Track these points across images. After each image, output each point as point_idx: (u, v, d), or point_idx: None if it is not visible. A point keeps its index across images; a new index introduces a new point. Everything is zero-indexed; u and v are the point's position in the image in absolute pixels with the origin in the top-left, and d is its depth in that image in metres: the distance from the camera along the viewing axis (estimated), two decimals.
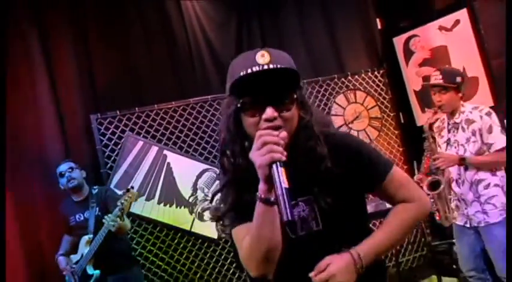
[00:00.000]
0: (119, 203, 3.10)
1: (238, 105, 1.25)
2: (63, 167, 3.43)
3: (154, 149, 4.15)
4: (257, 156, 1.14)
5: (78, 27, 4.10)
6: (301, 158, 1.28)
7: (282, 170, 1.11)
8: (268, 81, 1.21)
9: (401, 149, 4.85)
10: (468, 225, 2.98)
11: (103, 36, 4.18)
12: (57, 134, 3.92)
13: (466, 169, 2.95)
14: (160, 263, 3.99)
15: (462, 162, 2.91)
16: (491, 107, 4.27)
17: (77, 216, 3.42)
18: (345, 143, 1.37)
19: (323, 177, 1.28)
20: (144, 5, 4.37)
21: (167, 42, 4.39)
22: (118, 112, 4.03)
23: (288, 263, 1.30)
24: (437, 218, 3.13)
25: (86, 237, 3.31)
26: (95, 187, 3.53)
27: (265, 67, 1.21)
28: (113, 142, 4.01)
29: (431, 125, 3.22)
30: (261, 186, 1.17)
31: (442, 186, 3.01)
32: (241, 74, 1.22)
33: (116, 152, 4.01)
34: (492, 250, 2.89)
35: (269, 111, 1.19)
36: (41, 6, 3.96)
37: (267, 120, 1.19)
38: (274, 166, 1.12)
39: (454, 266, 3.99)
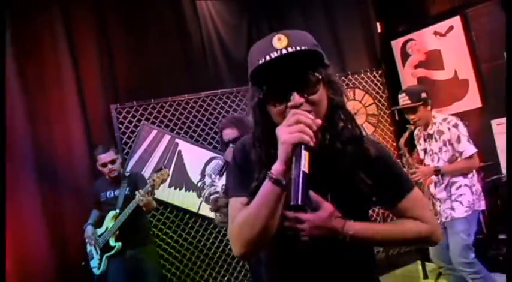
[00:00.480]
0: (150, 180, 3.43)
1: (260, 96, 1.18)
2: (106, 158, 3.65)
3: (167, 138, 4.52)
4: (285, 132, 1.07)
5: (101, 23, 4.46)
6: (333, 145, 1.20)
7: (306, 153, 1.05)
8: (289, 66, 1.12)
9: (394, 144, 5.19)
10: (438, 221, 3.17)
11: (123, 32, 4.54)
12: (80, 121, 4.26)
13: (443, 175, 3.20)
14: (169, 241, 4.36)
15: (437, 172, 3.16)
16: (479, 108, 4.68)
17: (108, 193, 3.72)
18: (375, 143, 1.30)
19: (346, 175, 1.20)
20: (161, 4, 4.72)
21: (182, 39, 4.74)
22: (135, 103, 4.39)
23: (281, 255, 1.27)
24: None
25: (112, 212, 3.63)
26: (128, 171, 3.91)
27: (284, 51, 1.12)
28: (129, 130, 4.37)
29: (406, 142, 3.46)
30: (277, 166, 1.09)
31: (425, 190, 3.26)
32: (260, 62, 1.13)
33: (132, 139, 4.38)
34: (452, 243, 3.13)
35: (295, 98, 1.12)
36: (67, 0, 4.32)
37: (294, 107, 1.11)
38: (299, 147, 1.05)
39: None
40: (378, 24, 5.36)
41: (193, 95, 4.59)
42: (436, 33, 4.92)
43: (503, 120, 4.59)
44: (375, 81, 5.25)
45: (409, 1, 5.16)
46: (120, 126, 4.35)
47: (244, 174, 1.26)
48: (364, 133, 1.27)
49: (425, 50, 5.05)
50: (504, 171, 4.55)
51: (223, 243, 4.53)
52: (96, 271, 3.65)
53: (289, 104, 1.12)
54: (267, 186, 1.11)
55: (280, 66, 1.12)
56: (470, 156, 3.08)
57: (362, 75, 5.16)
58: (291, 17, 5.16)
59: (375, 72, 5.26)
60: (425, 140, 3.32)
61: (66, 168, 4.15)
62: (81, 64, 4.33)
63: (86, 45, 4.38)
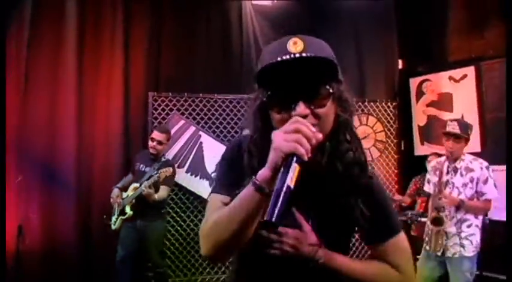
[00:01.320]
0: (156, 174, 3.88)
1: (265, 99, 1.08)
2: (157, 136, 4.12)
3: (192, 129, 5.06)
4: (280, 138, 0.97)
5: (156, 17, 5.06)
6: (332, 166, 1.10)
7: (296, 166, 0.94)
8: (301, 72, 1.02)
9: (396, 171, 5.62)
10: (439, 254, 3.32)
11: (174, 29, 5.14)
12: (121, 101, 4.87)
13: (457, 209, 3.29)
14: (178, 219, 4.91)
15: (461, 204, 3.25)
16: (477, 153, 5.05)
17: (141, 166, 4.18)
18: (374, 183, 1.19)
19: (338, 201, 1.11)
20: (212, 10, 5.30)
21: (225, 44, 5.31)
22: (170, 94, 4.97)
23: (252, 265, 1.19)
24: (427, 248, 3.45)
25: (134, 184, 4.11)
26: (165, 156, 4.36)
27: (297, 56, 1.02)
28: (161, 116, 4.94)
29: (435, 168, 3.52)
30: (264, 172, 0.99)
31: (443, 226, 3.32)
32: (270, 62, 1.03)
33: (164, 125, 4.93)
34: (455, 279, 3.27)
35: (300, 108, 1.01)
36: None
37: (298, 116, 1.01)
38: (291, 158, 0.95)
39: None
40: (400, 61, 5.81)
41: (222, 96, 5.13)
42: (450, 78, 5.32)
43: (497, 167, 4.97)
44: (388, 112, 5.69)
45: (431, 46, 5.57)
46: (154, 111, 4.92)
47: (233, 173, 1.17)
48: (368, 166, 1.16)
49: (439, 92, 5.46)
50: (489, 215, 4.92)
51: None
52: (112, 226, 4.18)
53: (293, 113, 1.01)
54: (248, 190, 1.01)
55: (290, 71, 1.02)
56: (490, 200, 3.26)
57: (378, 104, 5.61)
58: (322, 39, 5.61)
59: (389, 103, 5.70)
60: (448, 172, 3.38)
61: (103, 140, 4.77)
62: (132, 50, 4.95)
63: (139, 35, 4.99)
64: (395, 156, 5.64)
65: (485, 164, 3.31)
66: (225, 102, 5.14)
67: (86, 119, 4.73)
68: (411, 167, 5.42)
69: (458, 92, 5.27)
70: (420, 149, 5.54)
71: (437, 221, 3.35)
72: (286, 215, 0.97)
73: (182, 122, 5.03)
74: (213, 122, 5.12)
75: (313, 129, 0.98)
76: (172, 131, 4.96)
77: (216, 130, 5.13)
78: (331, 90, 1.07)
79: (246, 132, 3.24)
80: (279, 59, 1.02)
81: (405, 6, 5.74)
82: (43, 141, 4.51)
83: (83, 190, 4.66)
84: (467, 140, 3.36)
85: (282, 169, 0.95)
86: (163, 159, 4.23)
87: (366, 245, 1.26)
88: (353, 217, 1.12)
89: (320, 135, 1.00)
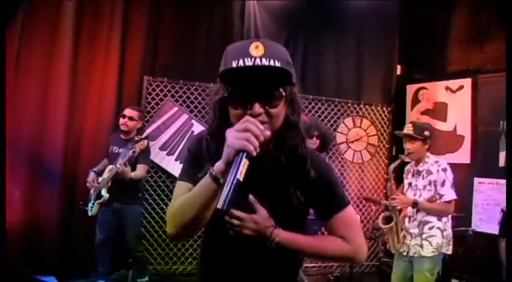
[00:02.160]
0: (133, 147, 3.78)
1: (225, 95, 1.22)
2: (127, 112, 4.09)
3: (185, 117, 5.00)
4: (232, 137, 1.10)
5: (156, 2, 4.97)
6: (278, 158, 1.26)
7: (245, 162, 1.08)
8: (259, 76, 1.16)
9: (385, 176, 5.62)
10: (405, 254, 3.39)
11: (174, 15, 5.05)
12: (116, 82, 4.77)
13: (417, 211, 3.36)
14: (163, 207, 4.82)
15: (414, 205, 3.33)
16: (466, 164, 5.10)
17: (114, 148, 4.13)
18: (320, 163, 1.35)
19: (292, 185, 1.28)
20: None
21: (225, 36, 5.22)
22: (166, 79, 4.89)
23: (213, 242, 1.39)
24: (388, 246, 3.60)
25: (110, 166, 3.99)
26: (138, 136, 4.23)
27: (257, 61, 1.15)
28: (154, 101, 4.87)
29: (395, 169, 3.63)
30: (219, 165, 1.14)
31: (393, 223, 3.43)
32: (233, 63, 1.16)
33: (154, 110, 4.88)
34: (416, 277, 3.31)
35: (256, 107, 1.15)
36: None
37: (253, 115, 1.15)
38: (241, 154, 1.08)
39: None
40: (398, 66, 5.81)
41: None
42: (447, 88, 5.35)
43: (485, 180, 5.03)
44: (383, 116, 5.71)
45: (431, 55, 5.59)
46: (148, 96, 4.86)
47: (195, 163, 1.32)
48: (310, 154, 1.31)
49: (434, 100, 5.48)
50: (473, 225, 4.98)
51: None
52: (89, 212, 4.09)
53: (249, 111, 1.15)
54: (206, 180, 1.16)
55: (250, 74, 1.16)
56: (449, 202, 3.29)
57: (373, 107, 5.62)
58: (325, 39, 5.63)
59: (384, 108, 5.72)
60: (413, 175, 3.49)
61: (94, 122, 4.68)
62: (130, 34, 4.86)
63: (138, 19, 4.90)
64: (386, 161, 5.65)
65: (443, 166, 3.33)
66: None
67: (78, 100, 4.63)
68: (400, 172, 5.43)
69: (453, 102, 5.30)
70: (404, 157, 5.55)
71: (387, 220, 3.46)
72: (240, 203, 1.18)
73: (176, 108, 4.97)
74: (207, 111, 4.99)
75: (262, 127, 1.11)
76: (165, 117, 4.94)
77: (209, 120, 5.04)
78: (283, 94, 1.21)
79: None
80: (241, 63, 1.15)
81: (410, 13, 5.74)
82: (33, 123, 4.43)
83: (70, 172, 4.57)
84: (424, 141, 3.36)
85: (233, 164, 1.09)
86: (136, 138, 4.11)
87: (324, 225, 1.40)
88: (295, 203, 1.29)
89: (268, 133, 1.14)
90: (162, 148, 4.89)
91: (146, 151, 4.09)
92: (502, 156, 4.91)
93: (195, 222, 1.22)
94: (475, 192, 5.08)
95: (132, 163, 3.93)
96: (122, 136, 4.18)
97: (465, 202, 4.95)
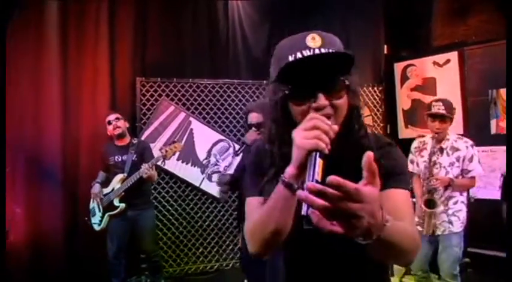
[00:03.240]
0: (163, 150, 3.78)
1: (286, 91, 1.13)
2: (111, 117, 4.06)
3: (182, 115, 4.94)
4: (301, 137, 1.01)
5: (142, 4, 4.85)
6: (345, 152, 1.11)
7: (320, 161, 0.98)
8: (319, 66, 1.07)
9: None
10: (431, 234, 3.36)
11: (160, 15, 4.95)
12: (108, 87, 4.66)
13: (445, 189, 3.33)
14: (169, 208, 4.81)
15: (451, 183, 3.29)
16: (460, 135, 5.25)
17: (116, 157, 4.04)
18: (388, 147, 1.25)
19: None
20: None
21: (211, 30, 5.18)
22: (159, 79, 4.81)
23: (297, 252, 1.27)
24: (420, 229, 3.40)
25: (120, 175, 3.95)
26: (135, 138, 4.21)
27: (317, 51, 1.10)
28: (150, 102, 4.78)
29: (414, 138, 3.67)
30: (290, 170, 1.05)
31: (437, 206, 3.35)
32: (290, 58, 1.11)
33: (150, 111, 4.79)
34: (445, 254, 3.34)
35: (321, 99, 1.08)
36: None
37: (317, 109, 1.08)
38: (314, 154, 0.99)
39: None
40: (385, 46, 5.90)
41: (212, 81, 5.03)
42: (434, 63, 5.48)
43: (479, 148, 5.18)
44: (375, 96, 5.80)
45: (416, 31, 5.70)
46: (142, 98, 4.76)
47: (258, 174, 1.25)
48: (374, 141, 1.21)
49: (423, 76, 5.61)
50: (472, 193, 5.17)
51: (217, 218, 5.00)
52: (97, 227, 4.02)
53: (314, 105, 1.09)
54: (279, 189, 1.08)
55: (310, 65, 1.08)
56: (474, 177, 3.35)
57: (364, 88, 5.68)
58: (310, 25, 5.57)
59: (376, 88, 5.81)
60: (434, 153, 3.41)
61: (90, 128, 4.55)
62: (118, 36, 4.73)
63: (125, 20, 4.77)
64: None
65: (470, 142, 3.39)
66: (215, 87, 5.05)
67: (71, 107, 4.50)
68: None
69: (441, 76, 5.43)
70: (404, 132, 5.69)
71: (431, 204, 3.39)
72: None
73: (172, 107, 4.89)
74: (203, 108, 5.01)
75: (329, 122, 1.03)
76: (162, 117, 4.87)
77: (206, 116, 5.03)
78: (347, 83, 1.13)
79: (254, 115, 3.10)
80: (299, 55, 1.10)
81: None
82: (28, 131, 4.28)
83: (69, 180, 4.45)
84: (452, 119, 3.40)
85: (308, 165, 0.98)
86: (134, 142, 4.08)
87: None
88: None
89: (336, 127, 1.04)
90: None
91: (149, 150, 4.11)
92: (493, 124, 5.10)
93: (275, 235, 1.12)
94: None
95: (139, 163, 3.88)
96: (117, 144, 4.09)
97: None
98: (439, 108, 3.35)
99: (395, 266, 4.59)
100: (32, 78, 4.30)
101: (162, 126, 4.84)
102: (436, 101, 3.50)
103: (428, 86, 5.54)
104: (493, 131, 5.11)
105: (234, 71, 5.26)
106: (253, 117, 3.12)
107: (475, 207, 5.05)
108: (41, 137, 4.34)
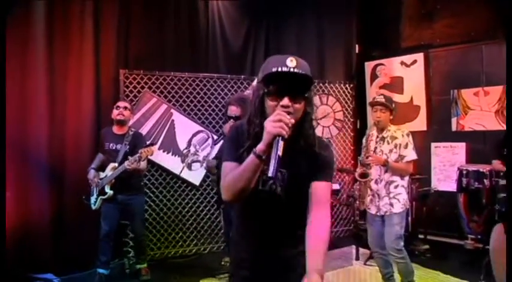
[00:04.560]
0: (139, 152, 3.96)
1: (266, 90, 1.62)
2: (121, 103, 4.28)
3: (164, 107, 5.16)
4: (270, 126, 1.50)
5: (125, 1, 5.01)
6: (297, 141, 1.66)
7: (281, 143, 1.48)
8: (290, 80, 1.58)
9: (352, 148, 6.13)
10: (378, 214, 3.72)
11: (143, 9, 5.11)
12: (92, 78, 4.80)
13: (385, 172, 3.68)
14: (151, 195, 5.05)
15: (385, 163, 3.64)
16: (423, 131, 5.67)
17: (111, 144, 4.23)
18: (325, 149, 1.77)
19: (303, 160, 1.70)
20: None
21: (191, 25, 5.40)
22: (142, 71, 5.01)
23: (249, 208, 1.79)
24: (357, 203, 3.93)
25: (112, 164, 4.15)
26: (132, 129, 4.38)
27: (291, 70, 1.57)
28: (132, 94, 4.97)
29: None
30: (261, 146, 1.53)
31: (369, 177, 3.76)
32: (273, 70, 1.58)
33: (133, 103, 4.94)
34: (387, 232, 3.64)
35: (286, 100, 1.57)
36: None
37: (283, 106, 1.56)
38: (278, 138, 1.48)
39: None
40: (357, 46, 6.24)
41: (192, 74, 5.26)
42: (402, 63, 5.86)
43: (440, 144, 5.64)
44: (346, 93, 6.14)
45: (386, 33, 6.07)
46: (125, 89, 4.95)
47: (235, 145, 1.73)
48: (316, 141, 1.74)
49: (391, 75, 5.99)
50: (433, 185, 5.60)
51: (196, 205, 5.28)
52: (92, 206, 4.27)
53: (281, 103, 1.57)
54: (251, 158, 1.55)
55: (285, 77, 1.58)
56: (410, 161, 3.67)
57: (337, 85, 6.03)
58: (286, 24, 5.93)
59: (347, 85, 6.15)
60: (376, 142, 3.79)
61: (75, 118, 4.71)
62: (102, 29, 4.86)
63: (109, 14, 4.90)
64: (352, 134, 6.12)
65: (406, 131, 3.71)
66: (195, 81, 5.28)
67: (57, 98, 4.62)
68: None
69: (408, 75, 5.81)
70: (371, 127, 6.04)
71: (363, 175, 3.78)
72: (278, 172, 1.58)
73: (154, 99, 5.11)
74: (184, 100, 5.24)
75: (289, 117, 1.53)
76: (144, 109, 5.07)
77: (187, 108, 5.26)
78: (306, 95, 1.64)
79: (233, 108, 3.35)
80: (280, 69, 1.58)
81: None
82: (14, 122, 4.35)
83: (56, 167, 4.61)
84: (391, 111, 3.71)
85: (273, 144, 1.49)
86: (130, 133, 4.28)
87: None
88: (302, 171, 1.72)
89: (293, 121, 1.55)
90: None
91: (142, 142, 4.30)
92: (454, 122, 5.52)
93: (244, 189, 1.61)
94: (433, 155, 5.69)
95: (131, 155, 4.08)
96: (114, 131, 4.30)
97: (425, 165, 5.55)
98: (380, 99, 3.74)
99: (361, 251, 5.00)
100: (17, 67, 4.40)
101: (144, 117, 5.05)
102: (379, 94, 3.90)
103: (395, 84, 5.91)
104: (454, 128, 5.54)
105: (213, 65, 5.51)
106: (232, 110, 3.41)
107: (435, 198, 5.50)
108: (27, 123, 4.45)
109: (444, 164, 5.59)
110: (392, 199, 3.69)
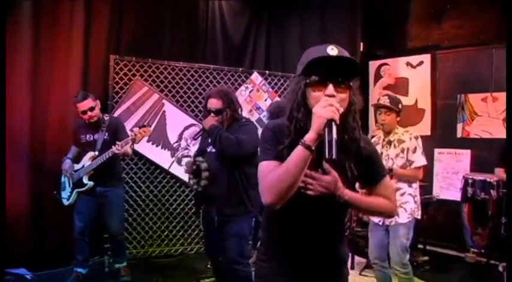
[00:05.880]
0: (132, 133, 3.69)
1: (308, 81, 1.50)
2: (85, 105, 3.77)
3: (156, 96, 4.87)
4: (321, 110, 1.41)
5: None
6: (340, 136, 1.48)
7: (335, 127, 1.39)
8: (334, 68, 1.46)
9: None
10: (381, 223, 3.45)
11: None
12: (81, 63, 4.52)
13: (391, 178, 3.27)
14: (137, 189, 4.77)
15: (390, 171, 3.31)
16: (427, 136, 5.41)
17: (88, 136, 3.91)
18: (368, 142, 1.70)
19: (349, 158, 1.57)
20: None
21: (190, 12, 5.14)
22: (134, 58, 4.72)
23: (293, 208, 1.57)
24: (360, 213, 3.72)
25: (91, 153, 3.85)
26: (106, 115, 4.07)
27: (335, 53, 1.48)
28: (123, 81, 4.69)
29: (373, 136, 3.81)
30: (311, 135, 1.42)
31: None
32: (317, 56, 1.47)
33: (123, 90, 4.70)
34: (392, 244, 3.38)
35: (331, 88, 1.46)
36: None
37: (328, 96, 1.45)
38: (332, 123, 1.39)
39: (366, 249, 4.99)
40: (361, 43, 5.96)
41: (187, 64, 4.98)
42: (408, 64, 5.61)
43: (444, 150, 5.38)
44: None
45: (392, 31, 5.82)
46: (115, 76, 4.66)
47: (275, 143, 1.58)
48: (362, 135, 1.62)
49: (396, 76, 5.74)
50: (434, 192, 5.34)
51: (185, 202, 5.00)
52: (65, 202, 3.95)
53: (326, 92, 1.46)
54: (299, 150, 1.43)
55: (328, 66, 1.47)
56: (419, 167, 3.39)
57: None
58: (289, 18, 5.68)
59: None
60: (382, 146, 3.53)
61: (59, 104, 4.42)
62: (94, 12, 4.59)
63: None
64: None
65: (415, 134, 3.45)
66: (190, 71, 5.00)
67: (40, 81, 4.34)
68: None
69: (414, 77, 5.57)
70: (374, 129, 5.79)
71: None
72: (320, 167, 1.52)
73: (145, 88, 4.82)
74: (177, 91, 4.97)
75: (338, 105, 1.42)
76: (135, 98, 4.79)
77: (179, 99, 4.99)
78: (350, 84, 1.52)
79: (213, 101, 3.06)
80: (325, 54, 1.48)
81: None
82: None
83: (36, 158, 4.33)
84: (398, 113, 3.46)
85: (326, 130, 1.39)
86: (105, 119, 3.96)
87: (365, 188, 1.76)
88: (350, 172, 1.60)
89: (342, 109, 1.45)
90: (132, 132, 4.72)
91: (122, 127, 4.03)
92: (460, 127, 5.27)
93: (291, 187, 1.47)
94: (436, 162, 5.43)
95: (112, 141, 3.79)
96: (90, 124, 3.93)
97: (427, 171, 5.24)
98: (384, 101, 3.46)
99: (357, 259, 4.74)
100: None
101: (134, 106, 4.77)
102: (383, 95, 3.60)
103: (400, 85, 5.66)
104: (459, 134, 5.29)
105: (211, 56, 5.24)
106: (213, 103, 3.12)
107: (436, 206, 5.23)
108: (8, 113, 4.14)
109: (447, 171, 5.34)
110: (398, 208, 3.30)
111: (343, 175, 1.57)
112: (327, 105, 1.41)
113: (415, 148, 3.40)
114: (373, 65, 5.94)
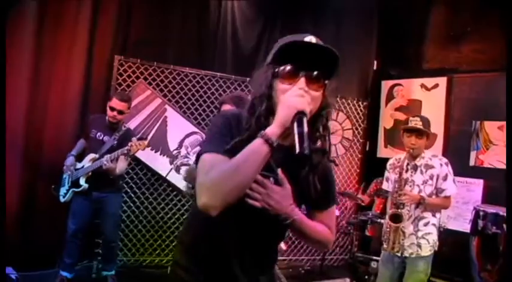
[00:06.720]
0: (129, 144, 3.54)
1: (276, 70, 1.28)
2: (118, 105, 3.74)
3: (158, 101, 4.73)
4: (292, 98, 1.21)
5: None
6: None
7: (306, 120, 1.19)
8: (310, 59, 1.24)
9: (358, 170, 5.63)
10: (399, 254, 3.23)
11: None
12: (84, 62, 4.39)
13: (416, 207, 3.20)
14: (132, 195, 4.59)
15: (421, 200, 3.15)
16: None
17: (99, 134, 3.83)
18: (329, 167, 1.46)
19: (315, 166, 1.36)
20: None
21: (201, 18, 4.98)
22: (139, 60, 4.59)
23: (233, 216, 1.28)
24: (384, 246, 3.33)
25: (92, 155, 3.75)
26: (126, 125, 3.99)
27: (313, 41, 1.27)
28: (126, 83, 4.55)
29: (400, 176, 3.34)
30: (274, 129, 1.19)
31: (402, 222, 3.20)
32: (291, 40, 1.27)
33: (126, 92, 4.54)
34: (411, 279, 3.20)
35: (302, 82, 1.24)
36: None
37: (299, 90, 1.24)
38: (300, 115, 1.19)
39: (366, 277, 4.76)
40: (375, 62, 5.78)
41: (194, 70, 4.83)
42: (422, 85, 5.40)
43: (455, 178, 5.11)
44: (358, 111, 5.67)
45: (408, 51, 5.62)
46: (119, 77, 4.53)
47: (225, 137, 1.31)
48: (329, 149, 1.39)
49: (409, 97, 5.53)
50: (441, 222, 5.06)
51: (180, 212, 4.79)
52: (61, 199, 3.82)
53: (297, 85, 1.24)
54: (257, 143, 1.18)
55: (302, 55, 1.24)
56: (448, 196, 3.21)
57: (349, 101, 5.56)
58: (302, 30, 5.49)
59: (360, 102, 5.68)
60: (407, 170, 3.30)
61: (58, 101, 4.30)
62: (101, 11, 4.46)
63: None
64: (359, 156, 5.65)
65: (445, 160, 3.26)
66: (196, 77, 4.85)
67: (41, 77, 4.20)
68: (373, 168, 5.44)
69: (428, 100, 5.35)
70: (383, 152, 5.58)
71: (396, 218, 3.25)
72: (270, 175, 1.28)
73: (148, 92, 4.68)
74: (181, 97, 4.82)
75: (310, 99, 1.23)
76: (137, 101, 4.64)
77: (183, 105, 4.83)
78: (325, 82, 1.29)
79: (227, 107, 2.98)
80: (297, 39, 1.27)
81: (388, 8, 5.74)
82: None
83: (31, 155, 4.17)
84: (428, 135, 3.27)
85: (296, 123, 1.17)
86: (123, 128, 3.87)
87: (311, 210, 1.49)
88: (307, 189, 1.36)
89: (311, 108, 1.24)
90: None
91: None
92: (473, 156, 5.03)
93: (238, 190, 1.19)
94: None
95: (116, 150, 3.64)
96: (109, 123, 3.85)
97: None
98: (416, 123, 3.23)
99: None
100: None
101: (135, 109, 4.60)
102: (414, 116, 3.37)
103: (413, 107, 5.45)
104: (472, 162, 5.04)
105: (219, 64, 5.07)
106: (225, 110, 2.97)
107: (443, 236, 4.95)
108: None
109: (457, 200, 5.06)
110: (420, 239, 3.18)
111: (297, 190, 1.33)
112: (299, 94, 1.21)
113: (446, 175, 3.19)
114: (385, 84, 5.74)
